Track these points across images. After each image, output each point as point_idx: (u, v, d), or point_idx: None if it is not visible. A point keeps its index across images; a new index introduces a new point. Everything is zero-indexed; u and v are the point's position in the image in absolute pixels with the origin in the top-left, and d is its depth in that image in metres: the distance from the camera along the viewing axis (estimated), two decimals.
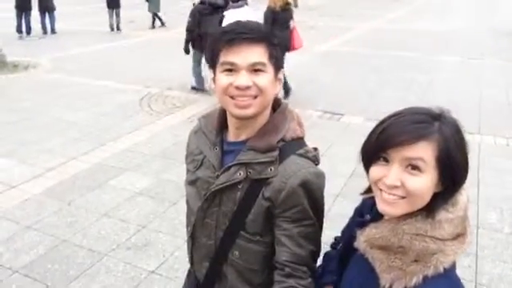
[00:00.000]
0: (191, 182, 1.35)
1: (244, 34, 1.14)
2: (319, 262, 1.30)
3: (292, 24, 6.75)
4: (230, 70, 1.16)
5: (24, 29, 12.29)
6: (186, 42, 7.00)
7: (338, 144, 5.04)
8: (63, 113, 6.15)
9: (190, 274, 1.48)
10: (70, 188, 4.08)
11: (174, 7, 16.58)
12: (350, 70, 8.71)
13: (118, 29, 13.52)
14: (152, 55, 10.13)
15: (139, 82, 7.69)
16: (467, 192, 1.00)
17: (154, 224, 3.53)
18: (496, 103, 6.63)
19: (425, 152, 0.91)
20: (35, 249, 3.21)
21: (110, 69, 8.81)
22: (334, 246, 1.35)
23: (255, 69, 1.15)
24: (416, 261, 0.93)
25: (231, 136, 1.28)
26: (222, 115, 1.30)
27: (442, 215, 0.95)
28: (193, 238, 1.38)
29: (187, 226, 1.42)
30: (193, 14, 6.86)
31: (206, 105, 6.40)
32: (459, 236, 0.95)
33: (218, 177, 1.25)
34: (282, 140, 1.22)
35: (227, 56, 1.15)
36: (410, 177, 0.92)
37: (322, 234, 1.26)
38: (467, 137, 0.98)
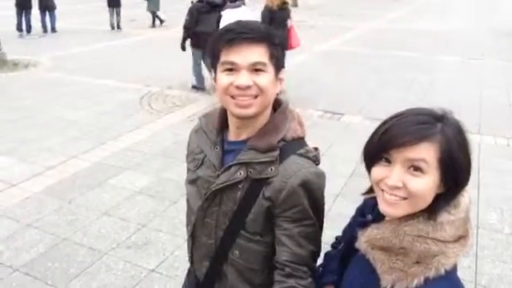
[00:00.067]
0: (192, 181, 1.35)
1: (244, 33, 1.14)
2: (319, 261, 1.30)
3: (289, 23, 6.76)
4: (230, 70, 1.16)
5: (24, 27, 12.30)
6: (183, 40, 7.05)
7: (339, 144, 5.04)
8: (63, 111, 6.16)
9: (190, 272, 1.48)
10: (70, 186, 4.08)
11: (174, 6, 16.57)
12: (351, 70, 8.71)
13: (119, 27, 13.52)
14: (152, 54, 10.13)
15: (139, 80, 7.69)
16: (469, 193, 1.00)
17: (154, 223, 3.54)
18: (496, 103, 6.62)
19: (427, 153, 0.91)
20: (35, 247, 3.21)
21: (111, 67, 8.81)
22: (334, 245, 1.35)
23: (256, 68, 1.15)
24: (417, 262, 0.92)
25: (232, 135, 1.28)
26: (223, 114, 1.30)
27: (444, 217, 0.94)
28: (193, 237, 1.38)
29: (187, 225, 1.42)
30: (190, 12, 6.90)
31: (206, 104, 6.41)
32: (461, 238, 0.95)
33: (218, 176, 1.25)
34: (283, 140, 1.22)
35: (228, 56, 1.15)
36: (412, 178, 0.92)
37: (323, 234, 1.26)
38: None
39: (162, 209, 3.73)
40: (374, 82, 7.82)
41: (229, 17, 5.88)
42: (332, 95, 6.99)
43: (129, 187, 4.08)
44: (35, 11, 12.44)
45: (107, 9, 13.55)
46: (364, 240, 1.01)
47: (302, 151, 1.21)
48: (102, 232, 3.41)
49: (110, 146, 4.99)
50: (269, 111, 1.24)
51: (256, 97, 1.16)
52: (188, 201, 1.40)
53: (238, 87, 1.14)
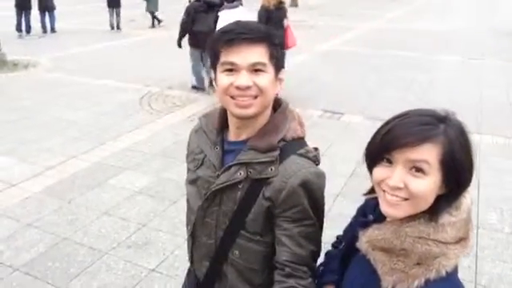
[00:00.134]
0: (192, 181, 1.35)
1: (244, 34, 1.14)
2: (320, 261, 1.30)
3: (286, 22, 6.76)
4: (230, 70, 1.16)
5: (24, 28, 12.28)
6: (179, 38, 7.09)
7: (338, 143, 5.04)
8: (63, 112, 6.15)
9: (190, 272, 1.48)
10: (70, 186, 4.08)
11: (172, 6, 16.56)
12: (350, 70, 8.71)
13: (118, 28, 13.51)
14: (152, 54, 10.13)
15: (139, 80, 7.69)
16: (470, 194, 0.99)
17: (154, 222, 3.54)
18: (496, 103, 6.63)
19: (429, 154, 0.91)
20: (36, 247, 3.21)
21: (110, 68, 8.80)
22: (335, 244, 1.35)
23: (255, 69, 1.15)
24: (418, 264, 0.92)
25: (232, 135, 1.28)
26: (223, 114, 1.30)
27: (445, 218, 0.94)
28: (193, 237, 1.38)
29: (187, 225, 1.42)
30: (187, 11, 6.91)
31: (206, 104, 6.41)
32: (462, 240, 0.95)
33: (218, 176, 1.25)
34: (283, 140, 1.22)
35: (227, 56, 1.15)
36: (414, 179, 0.92)
37: (323, 234, 1.26)
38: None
39: (161, 209, 3.73)
40: (374, 81, 7.82)
41: (226, 17, 5.88)
42: (332, 95, 6.99)
43: (129, 187, 4.08)
44: (35, 12, 12.43)
45: (107, 9, 13.54)
46: (365, 240, 1.01)
47: (302, 151, 1.21)
48: (102, 232, 3.41)
49: (110, 146, 4.99)
50: (269, 111, 1.24)
51: (256, 97, 1.15)
52: (188, 201, 1.40)
53: (237, 87, 1.14)
